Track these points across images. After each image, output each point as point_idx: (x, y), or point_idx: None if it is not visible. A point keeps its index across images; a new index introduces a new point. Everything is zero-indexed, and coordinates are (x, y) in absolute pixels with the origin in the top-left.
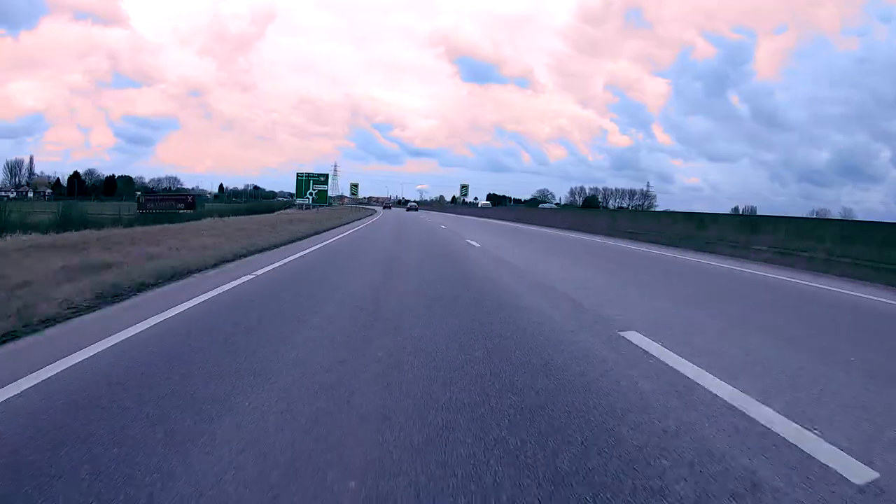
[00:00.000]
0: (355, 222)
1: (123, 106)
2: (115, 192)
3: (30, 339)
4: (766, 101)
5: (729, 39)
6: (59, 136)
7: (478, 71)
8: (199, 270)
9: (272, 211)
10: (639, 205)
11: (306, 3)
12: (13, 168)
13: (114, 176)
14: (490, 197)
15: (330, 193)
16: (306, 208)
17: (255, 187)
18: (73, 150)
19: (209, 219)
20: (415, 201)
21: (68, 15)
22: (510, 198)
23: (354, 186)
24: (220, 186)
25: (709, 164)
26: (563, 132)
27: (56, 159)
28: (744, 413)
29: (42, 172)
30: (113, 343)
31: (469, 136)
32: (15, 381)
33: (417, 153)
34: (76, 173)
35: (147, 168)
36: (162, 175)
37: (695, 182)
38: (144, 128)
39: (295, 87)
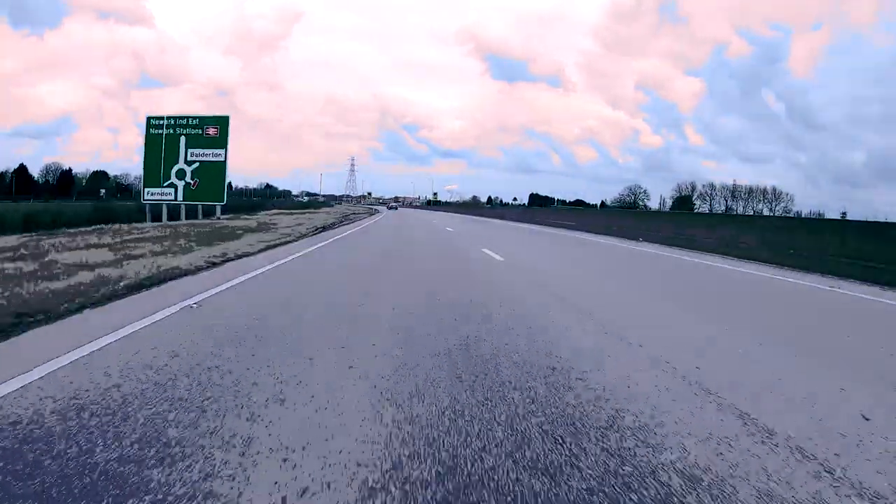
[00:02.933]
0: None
1: (150, 107)
2: (69, 192)
3: None
4: (800, 100)
5: (764, 37)
6: (86, 138)
7: (507, 69)
8: None
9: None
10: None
11: (332, 2)
12: None
13: (70, 170)
14: (533, 197)
15: (347, 193)
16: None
17: (268, 185)
18: (103, 151)
19: None
20: (444, 202)
21: (92, 15)
22: (554, 198)
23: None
24: (229, 184)
25: (741, 166)
26: (594, 133)
27: (85, 160)
28: None
29: (8, 170)
30: None
31: (498, 136)
32: None
33: (447, 154)
34: (22, 167)
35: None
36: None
37: (727, 183)
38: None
39: (322, 87)
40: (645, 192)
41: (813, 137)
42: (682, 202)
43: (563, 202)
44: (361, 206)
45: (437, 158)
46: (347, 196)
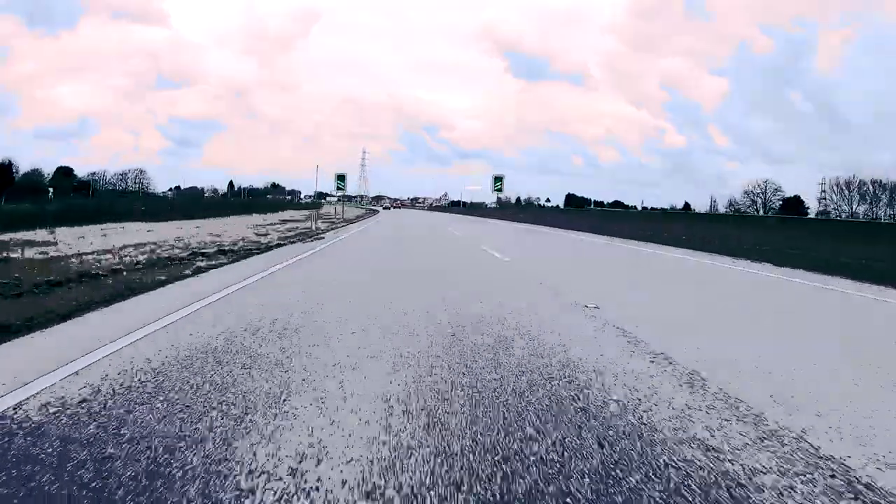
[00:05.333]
0: None
1: (169, 108)
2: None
3: None
4: (828, 99)
5: (791, 33)
6: (106, 139)
7: (528, 67)
8: None
9: None
10: None
11: (350, 2)
12: None
13: (9, 164)
14: (569, 198)
15: (361, 192)
16: None
17: (274, 185)
18: (122, 153)
19: None
20: (464, 203)
21: (107, 16)
22: (591, 199)
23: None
24: (230, 183)
25: (767, 167)
26: (615, 133)
27: (105, 162)
28: None
29: None
30: None
31: (520, 136)
32: None
33: (467, 155)
34: None
35: (194, 170)
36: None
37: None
38: (191, 130)
39: (340, 88)
40: (779, 189)
41: (841, 137)
42: (791, 205)
43: (600, 204)
44: (358, 206)
45: (458, 159)
46: (359, 196)
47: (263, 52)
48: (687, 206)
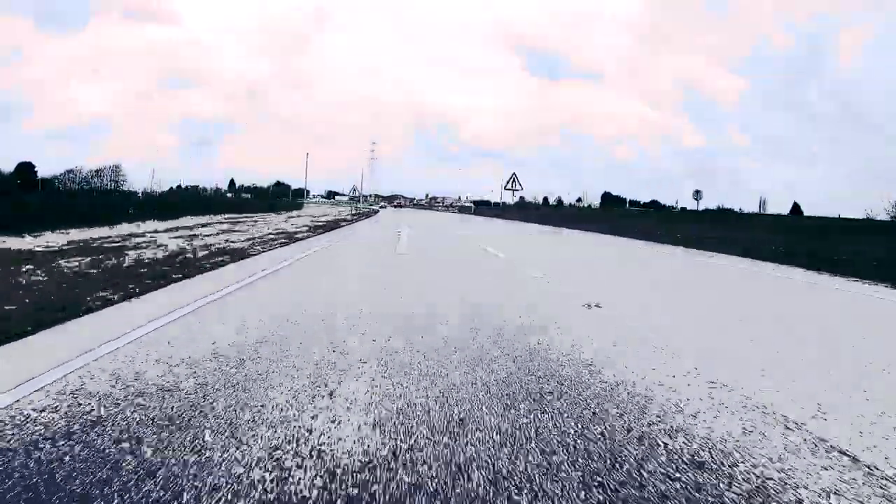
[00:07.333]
0: None
1: (179, 107)
2: None
3: None
4: (852, 98)
5: (811, 30)
6: (118, 140)
7: (545, 66)
8: None
9: None
10: None
11: (361, 1)
12: None
13: None
14: (605, 197)
15: (373, 192)
16: None
17: (277, 183)
18: (134, 153)
19: None
20: (478, 203)
21: (120, 14)
22: (626, 199)
23: None
24: (231, 181)
25: (783, 167)
26: (633, 132)
27: (107, 162)
28: None
29: None
30: None
31: (535, 135)
32: None
33: (482, 154)
34: None
35: (208, 171)
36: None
37: (767, 186)
38: (203, 129)
39: (353, 87)
40: None
41: (865, 137)
42: None
43: (636, 203)
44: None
45: (473, 158)
46: (371, 195)
47: (276, 51)
48: (796, 207)
